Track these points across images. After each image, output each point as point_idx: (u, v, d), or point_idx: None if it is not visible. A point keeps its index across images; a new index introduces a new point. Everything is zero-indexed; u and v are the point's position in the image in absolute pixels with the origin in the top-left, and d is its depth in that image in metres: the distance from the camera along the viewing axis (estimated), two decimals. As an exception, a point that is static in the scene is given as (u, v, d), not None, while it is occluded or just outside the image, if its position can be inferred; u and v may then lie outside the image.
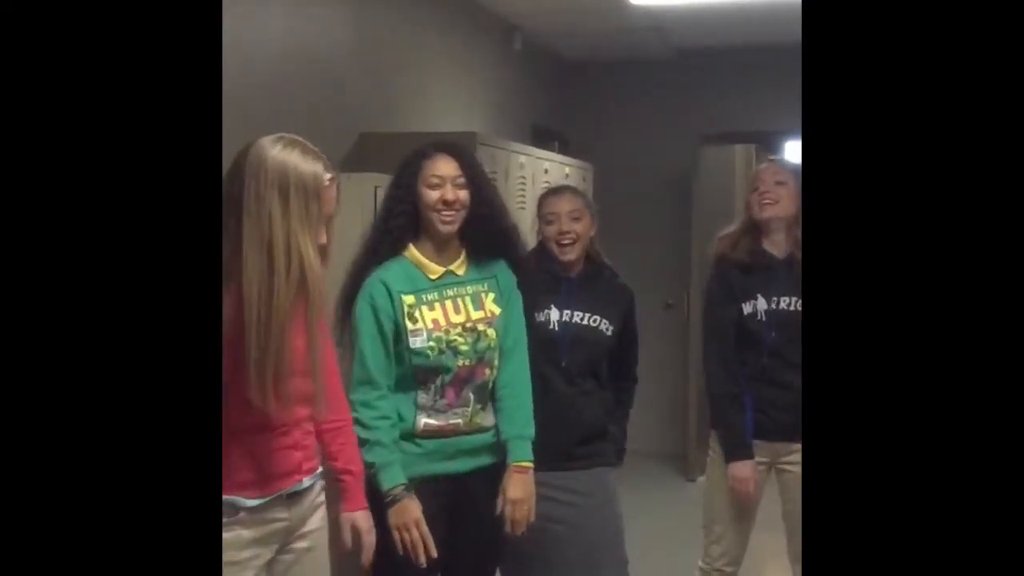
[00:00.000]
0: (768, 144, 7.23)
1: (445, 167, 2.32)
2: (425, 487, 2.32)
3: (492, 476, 2.39)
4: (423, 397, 2.33)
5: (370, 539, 2.13)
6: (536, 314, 2.60)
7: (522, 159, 4.37)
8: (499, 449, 2.41)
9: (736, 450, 2.82)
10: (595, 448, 2.72)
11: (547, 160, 4.73)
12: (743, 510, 2.86)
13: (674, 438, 6.10)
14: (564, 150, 5.83)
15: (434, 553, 2.24)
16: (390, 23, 4.24)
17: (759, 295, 2.81)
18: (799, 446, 2.73)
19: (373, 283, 2.31)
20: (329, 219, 1.85)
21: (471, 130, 4.58)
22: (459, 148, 2.38)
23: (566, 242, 2.68)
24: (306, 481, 1.97)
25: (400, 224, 2.36)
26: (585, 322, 2.69)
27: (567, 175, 4.98)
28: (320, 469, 2.05)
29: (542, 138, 5.82)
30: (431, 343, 2.29)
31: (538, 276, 2.60)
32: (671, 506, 5.27)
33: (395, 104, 4.26)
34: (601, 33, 5.82)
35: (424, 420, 2.33)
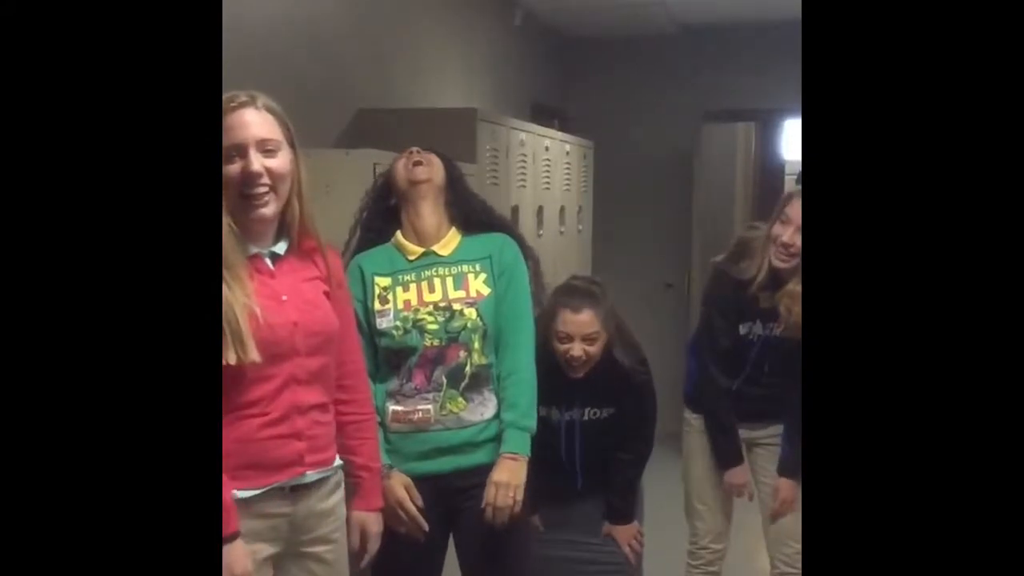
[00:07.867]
0: (769, 122, 7.19)
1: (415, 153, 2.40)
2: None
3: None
4: (394, 383, 2.26)
5: (374, 545, 2.07)
6: (539, 408, 2.41)
7: (523, 136, 4.34)
8: (494, 446, 2.26)
9: (731, 457, 2.89)
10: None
11: (548, 137, 4.70)
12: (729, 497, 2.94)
13: (673, 419, 6.09)
14: (565, 127, 5.80)
15: (425, 528, 2.21)
16: (389, -2, 4.21)
17: (758, 320, 2.77)
18: (775, 427, 2.83)
19: (350, 267, 2.31)
20: (239, 145, 1.78)
21: (471, 106, 4.55)
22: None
23: (576, 364, 2.50)
24: (311, 475, 1.85)
25: (376, 203, 2.42)
26: (587, 417, 2.60)
27: (568, 152, 4.95)
28: (337, 463, 1.95)
29: (543, 115, 5.78)
30: (397, 323, 2.25)
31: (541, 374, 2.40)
32: (669, 486, 5.26)
33: (393, 80, 4.22)
34: (603, 9, 5.78)
35: (392, 407, 2.25)
